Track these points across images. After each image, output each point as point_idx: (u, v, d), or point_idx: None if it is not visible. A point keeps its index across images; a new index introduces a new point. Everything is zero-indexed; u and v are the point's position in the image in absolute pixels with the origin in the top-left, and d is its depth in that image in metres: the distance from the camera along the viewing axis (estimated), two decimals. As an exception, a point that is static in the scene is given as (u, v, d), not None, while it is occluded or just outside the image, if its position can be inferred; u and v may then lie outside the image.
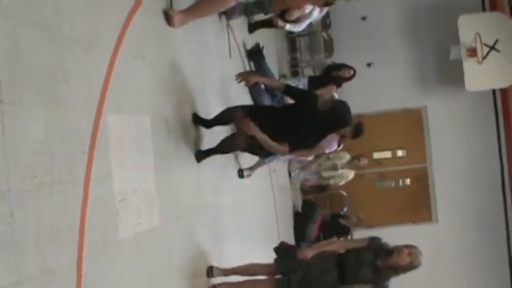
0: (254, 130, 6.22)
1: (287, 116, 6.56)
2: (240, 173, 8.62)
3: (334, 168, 12.06)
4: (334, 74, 10.57)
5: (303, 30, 10.77)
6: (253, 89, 9.06)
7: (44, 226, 3.45)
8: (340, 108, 6.39)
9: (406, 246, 6.24)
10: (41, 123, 3.51)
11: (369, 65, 13.82)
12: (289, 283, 6.40)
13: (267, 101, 9.33)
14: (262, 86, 8.83)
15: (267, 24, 9.88)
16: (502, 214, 14.55)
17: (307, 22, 10.06)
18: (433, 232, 14.46)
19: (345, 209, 13.25)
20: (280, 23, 9.73)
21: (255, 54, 9.81)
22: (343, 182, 12.37)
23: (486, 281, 14.38)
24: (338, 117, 6.41)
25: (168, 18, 6.02)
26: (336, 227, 12.10)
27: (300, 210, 13.02)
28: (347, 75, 10.67)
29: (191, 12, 6.33)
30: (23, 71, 3.37)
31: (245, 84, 6.76)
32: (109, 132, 4.39)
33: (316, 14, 9.99)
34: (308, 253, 6.53)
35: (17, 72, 3.30)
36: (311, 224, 12.21)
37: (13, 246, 3.15)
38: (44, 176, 3.48)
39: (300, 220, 12.44)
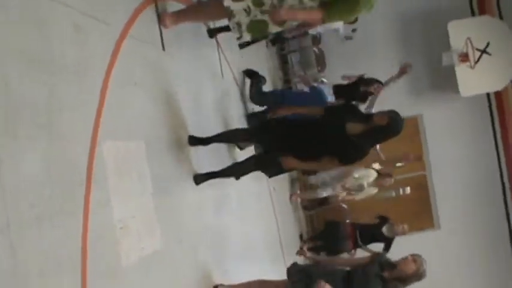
0: (295, 164, 6.48)
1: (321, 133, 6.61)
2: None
3: (361, 188, 11.91)
4: (363, 89, 10.46)
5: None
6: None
7: (45, 257, 3.45)
8: (398, 121, 6.40)
9: (411, 255, 6.26)
10: (37, 155, 3.52)
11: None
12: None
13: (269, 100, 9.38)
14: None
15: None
16: (503, 218, 14.56)
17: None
18: (435, 239, 14.45)
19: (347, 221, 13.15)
20: None
21: (251, 75, 9.78)
22: (363, 197, 12.27)
23: (489, 286, 14.37)
24: (395, 129, 6.38)
25: (160, 20, 6.09)
26: (375, 236, 11.92)
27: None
28: (372, 90, 10.59)
29: (182, 14, 6.41)
30: (16, 104, 3.38)
31: None
32: (105, 160, 4.40)
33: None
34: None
35: (9, 105, 3.31)
36: (342, 242, 12.15)
37: (15, 279, 3.15)
38: (43, 208, 3.49)
39: (330, 243, 12.39)
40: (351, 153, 6.56)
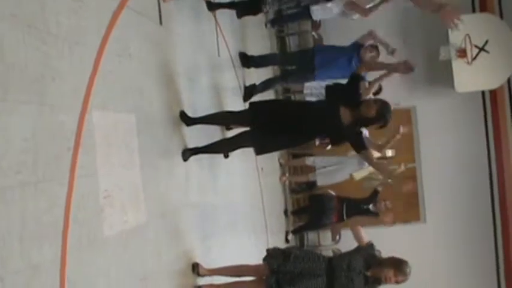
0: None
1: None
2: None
3: (361, 167, 11.89)
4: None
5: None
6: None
7: (28, 222, 3.46)
8: (385, 113, 6.47)
9: (395, 274, 6.17)
10: (25, 120, 3.52)
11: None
12: (278, 284, 6.37)
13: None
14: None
15: (253, 11, 9.71)
16: (489, 214, 14.59)
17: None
18: (421, 232, 14.50)
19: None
20: None
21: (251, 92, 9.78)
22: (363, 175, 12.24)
23: (473, 281, 14.42)
24: (382, 121, 6.50)
25: None
26: (361, 211, 11.94)
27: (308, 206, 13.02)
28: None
29: None
30: (8, 68, 3.37)
31: None
32: (94, 130, 4.40)
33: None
34: None
35: (1, 68, 3.31)
36: (327, 214, 12.18)
37: (-3, 241, 3.17)
38: (28, 173, 3.49)
39: (314, 215, 12.44)
40: (341, 135, 6.66)
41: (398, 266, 6.18)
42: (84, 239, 4.13)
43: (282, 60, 11.18)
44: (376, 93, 10.80)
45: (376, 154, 11.34)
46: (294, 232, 13.10)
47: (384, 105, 6.44)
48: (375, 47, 10.12)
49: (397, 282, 6.17)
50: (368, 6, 10.16)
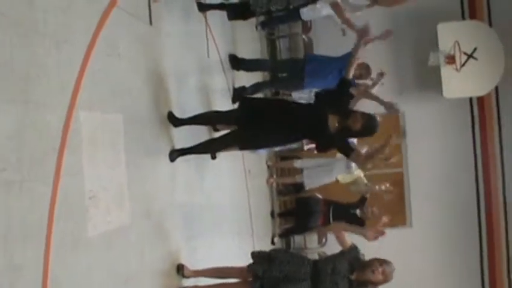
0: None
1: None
2: None
3: (348, 171, 11.90)
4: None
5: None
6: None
7: (12, 221, 3.45)
8: (371, 128, 6.52)
9: (381, 264, 6.19)
10: (11, 118, 3.51)
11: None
12: (262, 287, 6.37)
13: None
14: None
15: (243, 16, 9.69)
16: (475, 220, 14.62)
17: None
18: (406, 236, 14.50)
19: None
20: None
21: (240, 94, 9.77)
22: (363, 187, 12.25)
23: (458, 285, 14.45)
24: (366, 134, 6.62)
25: None
26: (348, 216, 11.92)
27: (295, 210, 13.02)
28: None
29: None
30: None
31: None
32: (81, 129, 4.39)
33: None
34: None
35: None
36: (313, 217, 12.17)
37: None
38: (13, 172, 3.48)
39: (300, 218, 12.43)
40: (328, 142, 6.68)
41: (382, 260, 6.21)
42: (68, 239, 4.12)
43: (273, 67, 11.16)
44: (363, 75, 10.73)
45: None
46: (281, 236, 13.09)
47: (370, 120, 6.48)
48: (365, 67, 10.21)
49: (384, 273, 6.15)
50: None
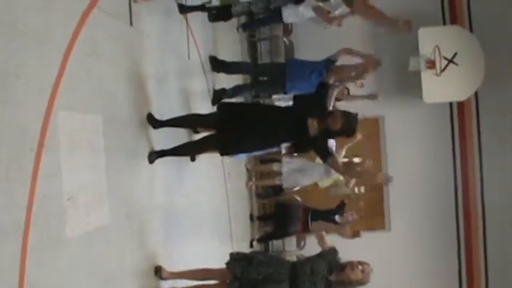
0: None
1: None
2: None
3: (328, 176, 11.90)
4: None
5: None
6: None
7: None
8: (351, 126, 6.56)
9: (360, 263, 6.23)
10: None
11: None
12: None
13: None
14: None
15: (224, 17, 9.68)
16: (453, 223, 14.69)
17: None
18: (385, 240, 14.55)
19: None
20: None
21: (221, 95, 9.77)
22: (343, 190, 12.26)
23: (436, 289, 14.54)
24: (347, 134, 6.66)
25: None
26: (328, 221, 11.89)
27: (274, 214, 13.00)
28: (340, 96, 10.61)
29: None
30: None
31: None
32: (59, 130, 4.36)
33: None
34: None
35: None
36: (292, 223, 12.15)
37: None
38: (-11, 172, 3.46)
39: (279, 224, 12.42)
40: (307, 146, 6.71)
41: (361, 261, 6.23)
42: (46, 240, 4.10)
43: (254, 70, 11.13)
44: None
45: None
46: (259, 241, 13.08)
47: (349, 119, 6.51)
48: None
49: (363, 272, 6.17)
50: (335, 13, 10.19)
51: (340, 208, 11.91)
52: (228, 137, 6.65)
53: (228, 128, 6.63)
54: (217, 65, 9.81)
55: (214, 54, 9.86)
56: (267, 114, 6.79)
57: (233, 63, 10.23)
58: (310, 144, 6.71)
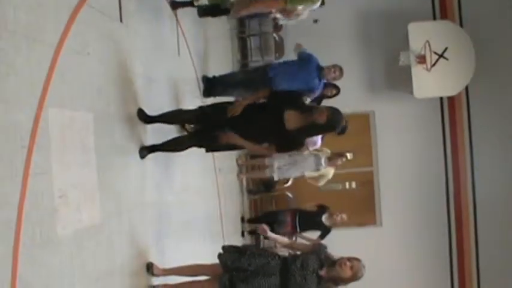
0: (235, 140, 6.61)
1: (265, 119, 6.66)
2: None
3: (318, 168, 11.92)
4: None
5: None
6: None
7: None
8: (337, 121, 6.54)
9: (350, 259, 6.18)
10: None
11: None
12: (232, 282, 6.35)
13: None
14: None
15: (212, 13, 9.65)
16: (445, 220, 14.75)
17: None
18: (376, 235, 14.60)
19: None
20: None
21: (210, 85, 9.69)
22: (324, 182, 12.26)
23: (428, 283, 14.57)
24: (332, 128, 6.71)
25: None
26: (314, 223, 11.92)
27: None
28: (329, 94, 10.60)
29: None
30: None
31: None
32: (50, 127, 4.35)
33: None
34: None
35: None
36: (280, 226, 12.17)
37: None
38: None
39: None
40: (286, 142, 6.67)
41: (351, 256, 6.23)
42: (37, 238, 4.09)
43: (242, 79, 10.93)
44: (334, 95, 10.83)
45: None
46: (250, 232, 13.10)
47: (335, 113, 6.50)
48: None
49: (352, 269, 6.16)
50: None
51: (323, 209, 11.92)
52: (211, 134, 6.65)
53: (210, 127, 6.66)
54: (209, 85, 9.70)
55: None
56: (247, 114, 6.76)
57: (222, 79, 10.02)
58: (288, 140, 6.65)
